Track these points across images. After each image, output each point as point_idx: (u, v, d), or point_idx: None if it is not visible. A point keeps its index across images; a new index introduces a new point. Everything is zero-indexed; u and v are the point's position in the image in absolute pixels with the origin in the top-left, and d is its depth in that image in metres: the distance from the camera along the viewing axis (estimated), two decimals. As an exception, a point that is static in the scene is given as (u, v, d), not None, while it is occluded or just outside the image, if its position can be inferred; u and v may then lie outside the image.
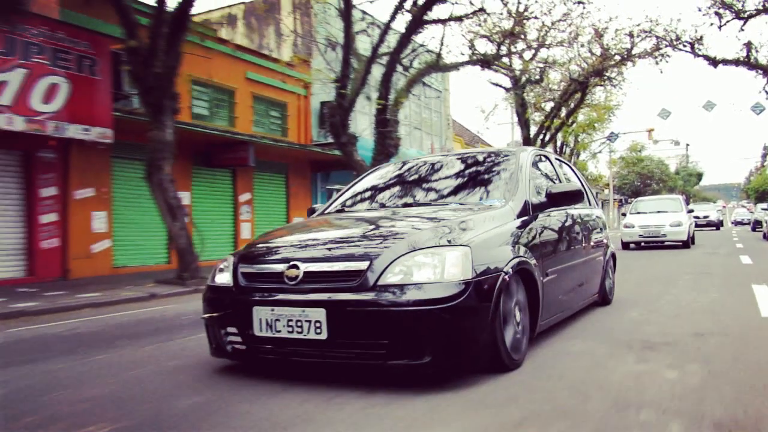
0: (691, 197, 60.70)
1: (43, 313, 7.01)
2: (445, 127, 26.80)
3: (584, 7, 16.08)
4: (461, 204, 3.75)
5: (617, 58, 21.26)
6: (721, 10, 18.48)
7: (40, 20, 9.39)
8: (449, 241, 2.95)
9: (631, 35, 20.53)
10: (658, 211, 16.07)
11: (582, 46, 20.86)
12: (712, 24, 18.99)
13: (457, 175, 4.26)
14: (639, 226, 15.59)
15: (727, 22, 18.63)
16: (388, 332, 2.72)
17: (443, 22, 14.35)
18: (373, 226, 3.41)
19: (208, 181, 14.31)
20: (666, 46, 19.74)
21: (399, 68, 14.62)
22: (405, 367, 2.75)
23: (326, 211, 4.35)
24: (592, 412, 2.42)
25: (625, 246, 15.89)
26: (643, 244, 15.86)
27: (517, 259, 3.20)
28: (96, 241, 11.60)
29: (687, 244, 15.26)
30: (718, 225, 31.79)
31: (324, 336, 2.79)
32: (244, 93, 15.32)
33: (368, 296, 2.75)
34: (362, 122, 18.97)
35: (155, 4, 9.67)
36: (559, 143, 29.46)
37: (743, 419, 2.29)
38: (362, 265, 2.83)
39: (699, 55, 19.33)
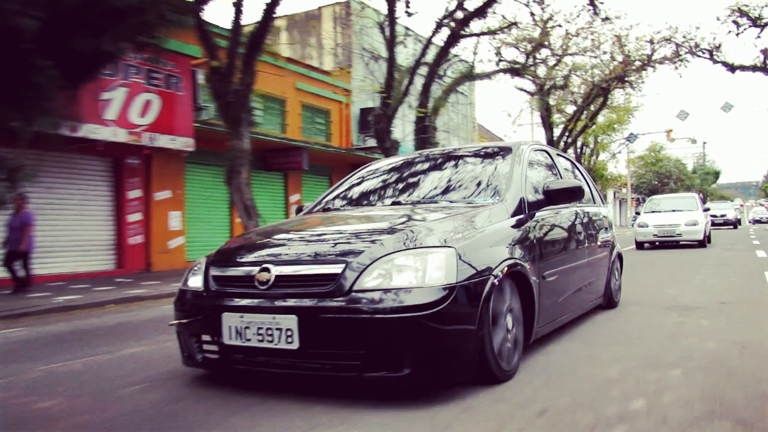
0: (709, 196, 61.17)
1: (154, 298, 8.35)
2: (471, 130, 28.00)
3: (610, 22, 17.03)
4: (451, 202, 3.52)
5: (638, 63, 22.37)
6: (739, 19, 19.47)
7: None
8: (432, 243, 2.75)
9: (651, 42, 21.59)
10: (673, 210, 15.63)
11: (604, 53, 21.99)
12: (729, 32, 19.84)
13: (450, 171, 4.04)
14: (653, 226, 15.12)
15: (745, 29, 19.63)
16: (364, 342, 2.52)
17: (478, 35, 15.61)
18: (353, 226, 3.24)
19: (263, 183, 15.67)
20: (686, 53, 20.78)
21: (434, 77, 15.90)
22: (383, 380, 2.54)
23: (313, 210, 4.12)
24: (649, 351, 3.63)
25: (639, 246, 15.52)
26: (657, 243, 15.42)
27: (509, 261, 2.99)
28: (172, 237, 12.99)
29: (703, 243, 14.93)
30: (735, 223, 31.87)
31: (295, 345, 2.59)
32: (293, 102, 16.68)
33: (343, 302, 2.55)
34: (400, 128, 20.25)
35: (233, 28, 11.02)
36: (579, 144, 30.55)
37: (754, 341, 3.70)
38: (337, 268, 2.64)
39: (717, 62, 20.33)
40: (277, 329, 2.62)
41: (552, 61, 21.76)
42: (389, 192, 4.00)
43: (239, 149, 10.99)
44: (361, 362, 2.53)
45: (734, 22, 19.60)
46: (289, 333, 2.60)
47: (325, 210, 3.99)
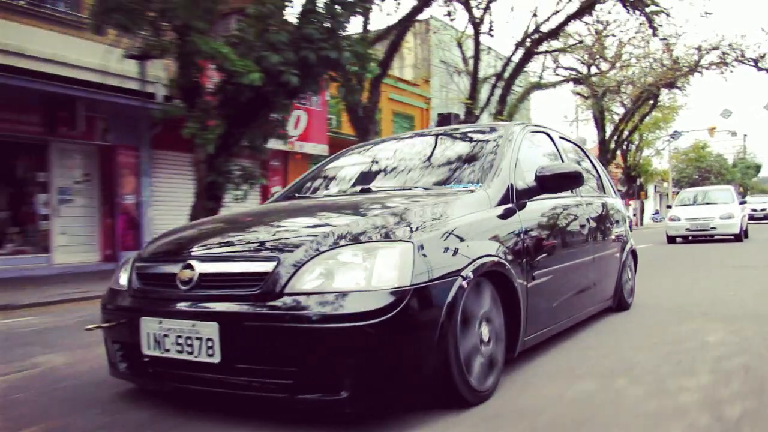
0: (749, 189, 61.87)
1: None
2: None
3: (667, 42, 19.29)
4: (425, 189, 3.05)
5: (685, 69, 24.38)
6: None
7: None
8: (387, 235, 2.27)
9: (699, 49, 23.59)
10: (707, 203, 15.10)
11: (654, 60, 24.06)
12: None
13: (435, 154, 3.59)
14: (686, 219, 14.56)
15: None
16: (297, 357, 2.06)
17: (549, 53, 18.13)
18: (304, 216, 2.86)
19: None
20: (732, 60, 22.73)
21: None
22: (318, 403, 2.08)
23: (280, 197, 3.73)
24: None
25: (671, 240, 15.02)
26: (690, 238, 14.92)
27: (485, 259, 2.50)
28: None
29: (739, 237, 14.20)
30: (776, 218, 31.89)
31: (217, 359, 2.15)
32: (387, 110, 19.49)
33: (271, 308, 2.10)
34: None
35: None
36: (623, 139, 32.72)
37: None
38: (267, 266, 2.18)
39: (762, 69, 22.26)
40: (197, 338, 2.19)
41: (605, 67, 24.04)
42: (362, 177, 3.57)
43: (368, 154, 13.90)
44: (293, 381, 2.07)
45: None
46: (210, 344, 2.16)
47: (289, 197, 3.55)
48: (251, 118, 8.93)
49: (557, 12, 16.14)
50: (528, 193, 3.09)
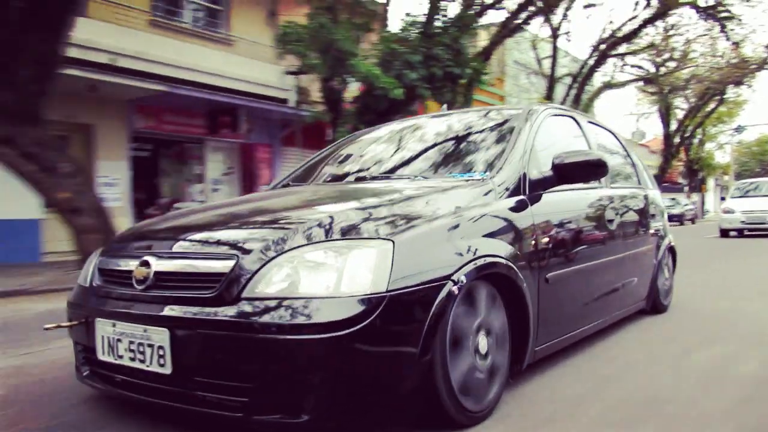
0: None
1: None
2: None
3: (739, 47, 20.16)
4: (425, 178, 2.71)
5: (753, 66, 24.92)
6: None
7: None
8: (365, 232, 1.93)
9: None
10: (765, 195, 14.44)
11: (721, 58, 24.68)
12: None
13: (443, 140, 3.24)
14: (741, 212, 14.02)
15: None
16: (253, 372, 1.77)
17: (623, 55, 19.38)
18: (280, 208, 2.48)
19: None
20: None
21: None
22: (277, 426, 1.80)
23: (277, 186, 3.47)
24: None
25: (724, 233, 14.54)
26: (746, 232, 14.30)
27: (485, 260, 2.12)
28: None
29: None
30: None
31: (168, 370, 1.87)
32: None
33: (226, 314, 1.79)
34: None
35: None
36: (687, 134, 33.27)
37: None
38: (225, 265, 1.88)
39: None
40: (149, 346, 1.91)
41: (672, 65, 24.89)
42: (362, 165, 3.28)
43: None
44: (249, 400, 1.78)
45: None
46: (161, 352, 1.88)
47: (285, 186, 3.33)
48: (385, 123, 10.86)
49: (633, 18, 17.41)
50: (543, 184, 2.68)
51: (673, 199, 26.65)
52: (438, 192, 2.35)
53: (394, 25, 11.20)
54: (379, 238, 1.90)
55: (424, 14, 10.75)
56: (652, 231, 4.08)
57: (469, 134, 3.17)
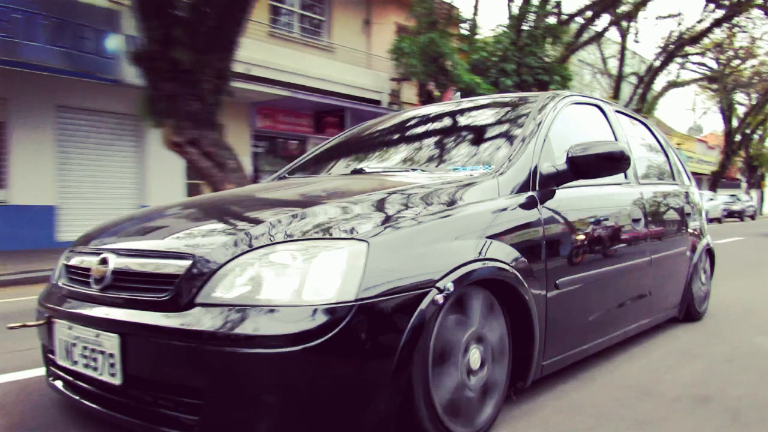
0: None
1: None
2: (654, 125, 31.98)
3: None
4: (424, 171, 2.47)
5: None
6: None
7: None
8: (338, 231, 1.70)
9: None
10: None
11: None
12: None
13: (448, 131, 2.98)
14: None
15: None
16: (204, 388, 1.58)
17: (687, 56, 20.02)
18: (258, 203, 2.30)
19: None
20: None
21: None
22: None
23: (277, 177, 3.24)
24: None
25: None
26: None
27: (478, 264, 1.88)
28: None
29: None
30: None
31: (118, 380, 1.71)
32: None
33: (178, 321, 1.61)
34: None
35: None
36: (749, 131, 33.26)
37: None
38: (180, 265, 1.69)
39: None
40: (101, 352, 1.75)
41: (735, 63, 25.18)
42: (362, 156, 3.06)
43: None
44: (199, 418, 1.58)
45: None
46: (111, 360, 1.72)
47: (283, 177, 3.15)
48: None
49: (701, 20, 18.06)
50: (556, 179, 2.40)
51: (733, 195, 27.04)
52: (434, 187, 2.08)
53: (484, 34, 12.41)
54: (351, 238, 1.65)
55: (513, 25, 11.93)
56: (687, 232, 3.70)
57: (478, 124, 2.96)
